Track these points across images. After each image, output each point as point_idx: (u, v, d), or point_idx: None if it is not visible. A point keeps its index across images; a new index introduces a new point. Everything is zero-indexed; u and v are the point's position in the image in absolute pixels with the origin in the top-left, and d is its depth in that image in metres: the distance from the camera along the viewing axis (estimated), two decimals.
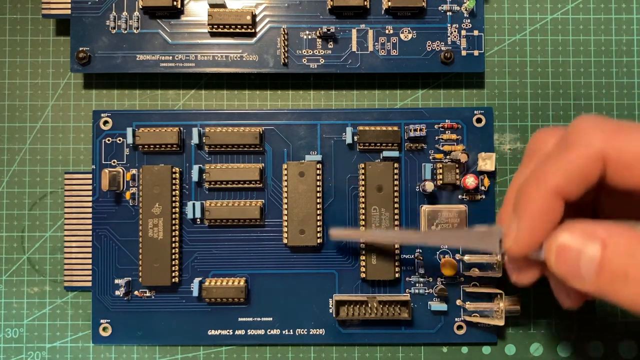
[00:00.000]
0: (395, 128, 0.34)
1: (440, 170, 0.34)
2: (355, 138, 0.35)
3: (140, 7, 0.35)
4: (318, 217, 0.34)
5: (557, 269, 0.23)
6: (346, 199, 0.35)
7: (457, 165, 0.34)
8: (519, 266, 0.27)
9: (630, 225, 0.23)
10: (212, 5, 0.35)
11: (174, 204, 0.34)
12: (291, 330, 0.35)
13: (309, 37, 0.35)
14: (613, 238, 0.22)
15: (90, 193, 0.35)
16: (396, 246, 0.34)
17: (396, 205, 0.34)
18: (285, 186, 0.34)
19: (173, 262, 0.34)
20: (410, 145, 0.35)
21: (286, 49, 0.35)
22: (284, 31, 0.35)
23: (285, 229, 0.34)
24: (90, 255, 0.35)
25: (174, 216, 0.34)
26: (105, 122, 0.35)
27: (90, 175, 0.35)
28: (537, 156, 0.27)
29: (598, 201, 0.28)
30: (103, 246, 0.35)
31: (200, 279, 0.35)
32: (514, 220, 0.25)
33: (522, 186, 0.25)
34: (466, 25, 0.35)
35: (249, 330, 0.35)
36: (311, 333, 0.35)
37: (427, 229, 0.34)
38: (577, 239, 0.23)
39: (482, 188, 0.35)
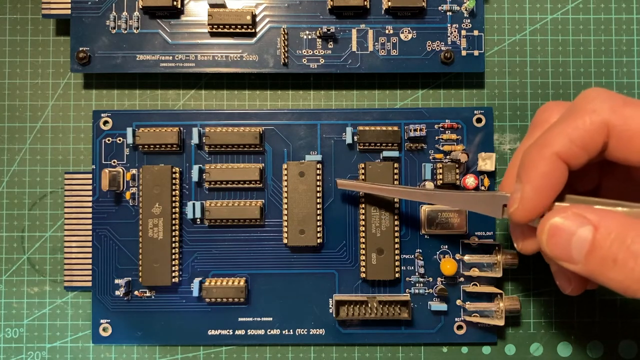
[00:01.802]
0: (395, 128, 0.34)
1: (440, 170, 0.34)
2: (355, 138, 0.35)
3: (140, 7, 0.35)
4: (318, 217, 0.34)
5: (548, 249, 0.24)
6: (346, 199, 0.35)
7: (457, 165, 0.34)
8: (524, 233, 0.27)
9: (623, 210, 0.23)
10: (212, 5, 0.35)
11: (174, 204, 0.34)
12: (291, 330, 0.35)
13: (309, 37, 0.35)
14: (604, 222, 0.22)
15: (90, 193, 0.35)
16: (396, 246, 0.34)
17: (396, 206, 0.34)
18: (285, 186, 0.34)
19: (173, 262, 0.34)
20: (410, 145, 0.35)
21: (286, 49, 0.35)
22: (284, 31, 0.35)
23: (285, 229, 0.34)
24: (90, 255, 0.35)
25: (174, 216, 0.34)
26: (105, 122, 0.35)
27: (90, 175, 0.35)
28: (542, 128, 0.27)
29: (599, 189, 0.28)
30: (103, 246, 0.35)
31: (200, 279, 0.35)
32: (518, 185, 0.25)
33: (525, 152, 0.25)
34: (466, 25, 0.35)
35: (249, 330, 0.35)
36: (311, 333, 0.35)
37: (433, 189, 0.34)
38: (569, 221, 0.23)
39: (482, 188, 0.35)
